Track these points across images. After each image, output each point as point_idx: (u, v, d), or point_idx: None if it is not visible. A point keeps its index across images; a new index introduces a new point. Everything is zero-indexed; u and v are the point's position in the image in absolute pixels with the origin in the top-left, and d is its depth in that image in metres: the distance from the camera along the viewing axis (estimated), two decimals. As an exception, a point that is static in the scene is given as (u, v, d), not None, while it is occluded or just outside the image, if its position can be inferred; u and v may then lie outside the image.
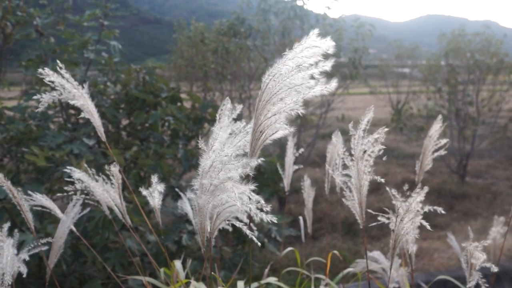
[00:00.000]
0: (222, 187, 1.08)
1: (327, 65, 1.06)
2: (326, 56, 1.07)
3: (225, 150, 1.08)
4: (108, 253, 3.15)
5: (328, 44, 1.06)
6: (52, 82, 1.41)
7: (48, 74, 1.39)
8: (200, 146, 1.11)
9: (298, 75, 1.05)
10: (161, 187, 1.58)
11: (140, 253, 3.27)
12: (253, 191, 1.07)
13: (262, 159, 1.11)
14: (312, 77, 1.06)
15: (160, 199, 1.59)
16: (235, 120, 1.17)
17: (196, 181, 1.11)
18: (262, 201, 1.09)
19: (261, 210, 1.08)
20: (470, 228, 1.44)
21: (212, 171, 1.07)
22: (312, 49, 1.05)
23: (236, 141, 1.12)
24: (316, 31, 1.06)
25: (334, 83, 1.07)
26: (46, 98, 1.38)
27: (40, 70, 1.38)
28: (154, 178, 1.58)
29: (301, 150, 2.28)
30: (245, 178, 1.10)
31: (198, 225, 1.15)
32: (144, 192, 1.57)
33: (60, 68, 1.42)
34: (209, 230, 1.15)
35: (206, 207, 1.11)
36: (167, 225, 3.98)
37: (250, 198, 1.08)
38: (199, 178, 1.09)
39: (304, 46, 1.05)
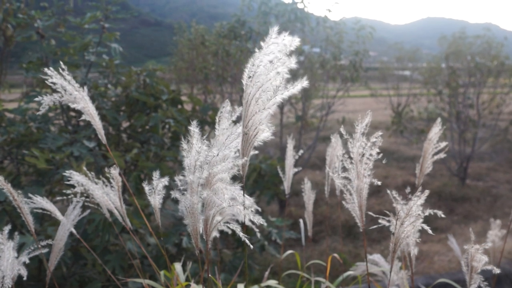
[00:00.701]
0: (215, 188, 1.09)
1: (292, 62, 1.08)
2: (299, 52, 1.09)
3: (203, 147, 1.09)
4: (108, 255, 3.14)
5: (288, 40, 1.07)
6: (54, 83, 1.42)
7: (50, 76, 1.40)
8: (184, 147, 1.12)
9: (270, 74, 1.07)
10: (165, 181, 1.55)
11: (140, 256, 3.27)
12: (250, 194, 1.08)
13: (246, 159, 1.12)
14: (283, 76, 1.08)
15: (161, 197, 1.57)
16: (235, 122, 1.17)
17: (184, 181, 1.11)
18: (249, 202, 1.09)
19: (249, 209, 1.09)
20: (470, 231, 1.44)
21: (198, 171, 1.08)
22: (277, 46, 1.07)
23: (228, 141, 1.12)
24: (275, 28, 1.08)
25: (305, 82, 1.09)
26: (47, 100, 1.38)
27: (43, 71, 1.38)
28: (156, 175, 1.56)
29: (301, 152, 2.28)
30: (239, 180, 1.11)
31: (191, 227, 1.15)
32: (146, 188, 1.55)
33: (63, 70, 1.43)
34: (200, 231, 1.15)
35: (195, 207, 1.11)
36: (167, 227, 3.99)
37: (237, 199, 1.09)
38: (184, 177, 1.10)
39: (268, 43, 1.07)
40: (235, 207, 1.08)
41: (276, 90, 1.08)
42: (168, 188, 1.58)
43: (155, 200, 1.54)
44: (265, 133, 1.12)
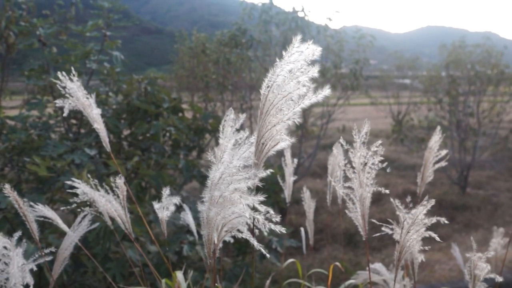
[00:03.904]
0: (231, 199, 1.08)
1: (315, 71, 1.07)
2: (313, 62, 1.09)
3: (234, 162, 1.08)
4: (108, 263, 3.14)
5: (312, 48, 1.07)
6: (64, 88, 1.43)
7: (62, 80, 1.41)
8: (209, 158, 1.11)
9: (291, 84, 1.07)
10: (176, 200, 1.59)
11: (141, 264, 3.26)
12: (261, 202, 1.08)
13: (270, 170, 1.12)
14: (304, 85, 1.08)
15: (169, 212, 1.60)
16: (238, 130, 1.17)
17: (206, 193, 1.10)
18: (272, 211, 1.09)
19: (270, 220, 1.09)
20: (472, 239, 1.44)
21: (221, 183, 1.07)
22: (300, 54, 1.07)
23: (240, 152, 1.12)
24: (299, 37, 1.08)
25: (327, 90, 1.09)
26: (66, 105, 1.40)
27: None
28: (166, 191, 1.59)
29: (295, 160, 2.25)
30: (252, 189, 1.10)
31: (206, 236, 1.14)
32: (156, 205, 1.59)
33: (73, 75, 1.43)
34: (215, 241, 1.15)
35: (215, 219, 1.10)
36: (168, 235, 3.98)
37: (257, 209, 1.08)
38: (208, 190, 1.09)
39: (291, 52, 1.07)
40: (254, 217, 1.08)
41: (299, 100, 1.07)
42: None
43: (163, 214, 1.57)
44: (282, 143, 1.11)
